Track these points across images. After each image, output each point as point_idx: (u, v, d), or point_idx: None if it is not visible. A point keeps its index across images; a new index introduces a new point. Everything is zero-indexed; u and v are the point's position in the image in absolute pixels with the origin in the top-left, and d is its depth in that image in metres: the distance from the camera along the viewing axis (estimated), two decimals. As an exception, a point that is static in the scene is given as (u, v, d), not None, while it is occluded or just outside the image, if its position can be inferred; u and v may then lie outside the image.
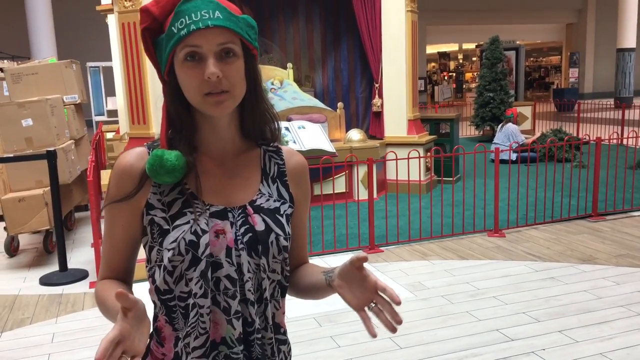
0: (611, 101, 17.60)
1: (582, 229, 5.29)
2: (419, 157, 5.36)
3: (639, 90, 20.09)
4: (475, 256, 4.64)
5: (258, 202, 1.11)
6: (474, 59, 27.94)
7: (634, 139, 6.05)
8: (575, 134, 10.56)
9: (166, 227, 1.05)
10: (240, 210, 1.09)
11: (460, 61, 29.09)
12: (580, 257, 4.50)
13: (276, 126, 1.16)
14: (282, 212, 1.13)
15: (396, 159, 5.05)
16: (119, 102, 8.27)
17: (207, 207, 1.07)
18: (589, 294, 3.78)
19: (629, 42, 18.16)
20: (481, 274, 4.23)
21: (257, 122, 1.13)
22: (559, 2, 22.97)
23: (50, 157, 4.34)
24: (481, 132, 11.93)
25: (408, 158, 5.06)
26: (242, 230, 1.07)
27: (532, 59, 27.39)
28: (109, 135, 8.70)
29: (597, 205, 5.63)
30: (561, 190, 5.77)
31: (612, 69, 20.04)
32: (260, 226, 1.08)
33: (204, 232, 1.04)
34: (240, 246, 1.06)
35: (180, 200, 1.07)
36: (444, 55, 28.35)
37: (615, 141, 6.33)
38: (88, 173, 4.45)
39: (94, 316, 3.64)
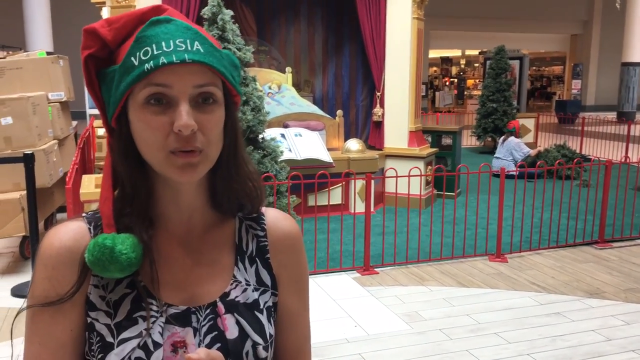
0: (614, 115, 17.39)
1: (588, 256, 5.03)
2: (420, 175, 5.09)
3: (642, 105, 19.85)
4: (475, 283, 4.37)
5: (232, 295, 0.84)
6: (476, 65, 27.72)
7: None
8: (578, 150, 10.32)
9: (109, 339, 0.78)
10: (208, 310, 0.81)
11: (463, 67, 28.85)
12: (586, 290, 4.25)
13: (259, 194, 0.87)
14: (261, 306, 0.85)
15: (396, 177, 4.78)
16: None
17: (164, 307, 0.79)
18: (598, 334, 3.53)
19: (635, 56, 17.94)
20: (482, 304, 3.97)
21: (235, 193, 0.85)
22: (565, 13, 22.74)
23: (28, 161, 4.05)
24: (482, 143, 11.69)
25: (409, 176, 4.79)
26: (209, 339, 0.80)
27: (534, 67, 27.17)
28: (101, 132, 8.38)
29: (604, 231, 5.38)
30: (568, 211, 5.52)
31: (615, 82, 19.82)
32: (232, 332, 0.81)
33: (157, 345, 0.77)
34: None
35: (129, 298, 0.79)
36: (446, 61, 28.11)
37: (624, 159, 6.09)
38: (67, 178, 4.17)
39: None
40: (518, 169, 6.05)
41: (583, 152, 10.13)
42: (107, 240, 0.76)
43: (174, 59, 0.72)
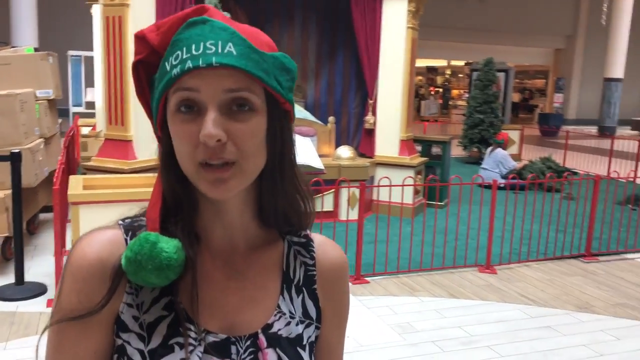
0: (594, 129, 17.68)
1: (575, 270, 5.06)
2: (415, 185, 5.09)
3: (623, 119, 20.20)
4: (466, 295, 4.37)
5: (275, 328, 0.78)
6: (461, 75, 27.98)
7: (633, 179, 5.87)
8: (562, 163, 10.43)
9: None
10: (248, 342, 0.75)
11: (448, 77, 29.10)
12: (576, 304, 4.27)
13: (308, 210, 0.82)
14: (304, 342, 0.79)
15: (390, 185, 4.76)
16: (97, 96, 7.85)
17: (203, 333, 0.73)
18: (589, 349, 3.53)
19: (617, 72, 18.22)
20: (474, 316, 3.96)
21: (282, 209, 0.79)
22: (550, 27, 23.08)
23: (15, 159, 3.95)
24: (468, 154, 11.76)
25: (403, 185, 4.77)
26: None
27: (517, 80, 27.49)
28: (85, 131, 8.23)
29: (591, 245, 5.42)
30: (556, 224, 5.56)
31: (596, 97, 20.14)
32: None
33: None
34: None
35: (165, 322, 0.73)
36: (432, 70, 28.32)
37: (612, 173, 6.16)
38: (55, 178, 4.07)
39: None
40: (510, 180, 6.09)
41: (567, 165, 10.25)
42: (150, 235, 0.71)
43: (200, 62, 0.67)
